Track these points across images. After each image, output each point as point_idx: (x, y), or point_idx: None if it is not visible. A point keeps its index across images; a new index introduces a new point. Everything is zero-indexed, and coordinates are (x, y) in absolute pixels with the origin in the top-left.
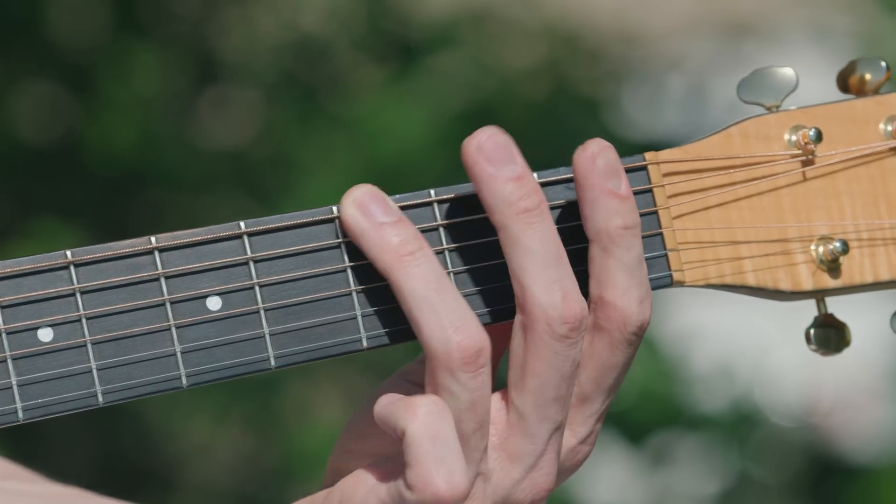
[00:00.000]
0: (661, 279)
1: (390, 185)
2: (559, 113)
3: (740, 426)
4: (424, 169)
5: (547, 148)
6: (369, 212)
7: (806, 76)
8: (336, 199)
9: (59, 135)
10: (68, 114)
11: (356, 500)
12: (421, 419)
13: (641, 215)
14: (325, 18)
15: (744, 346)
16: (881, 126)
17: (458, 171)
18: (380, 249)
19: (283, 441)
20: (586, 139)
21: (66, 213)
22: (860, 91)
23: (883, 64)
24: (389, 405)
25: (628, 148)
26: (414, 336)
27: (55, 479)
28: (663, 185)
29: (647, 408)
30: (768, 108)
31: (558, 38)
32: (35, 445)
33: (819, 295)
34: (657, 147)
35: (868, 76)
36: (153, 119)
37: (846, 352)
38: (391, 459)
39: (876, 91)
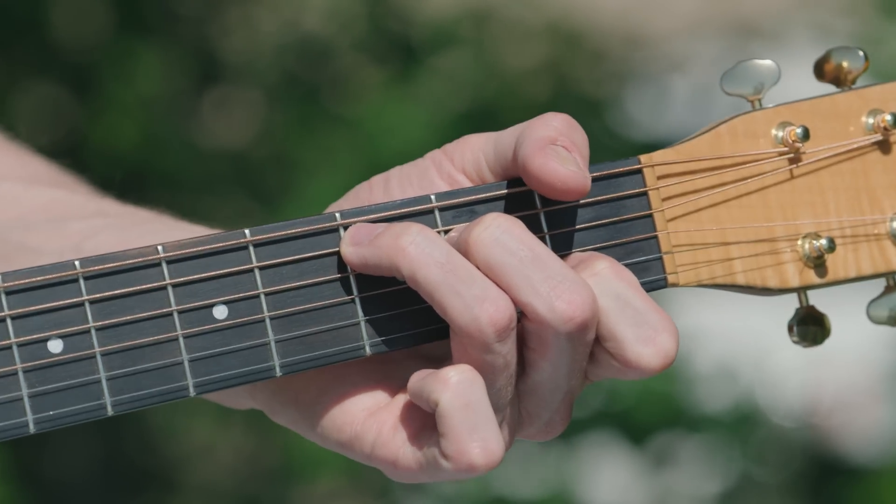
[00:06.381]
0: (657, 282)
1: None
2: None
3: (741, 426)
4: None
5: None
6: (360, 239)
7: (808, 78)
8: (337, 200)
9: (62, 135)
10: (71, 114)
11: (394, 447)
12: (452, 389)
13: (637, 219)
14: (327, 19)
15: (745, 346)
16: (863, 119)
17: None
18: (382, 255)
19: (283, 441)
20: (589, 138)
21: None
22: (837, 80)
23: (861, 53)
24: (421, 380)
25: (631, 148)
26: (416, 342)
27: (57, 478)
28: (658, 188)
29: (648, 408)
30: (751, 101)
31: (560, 37)
32: (38, 445)
33: (804, 290)
34: (660, 147)
35: (845, 64)
36: (155, 119)
37: (847, 352)
38: (422, 417)
39: (854, 81)
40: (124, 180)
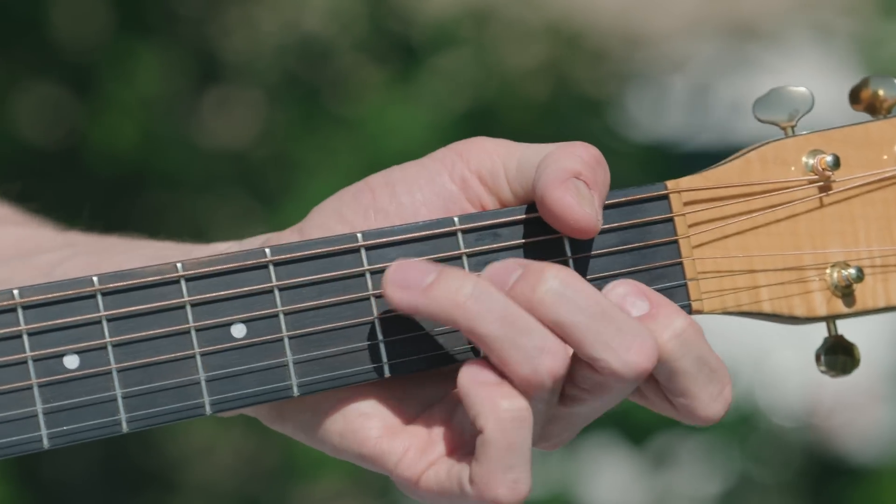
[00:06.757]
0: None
1: None
2: (561, 113)
3: (741, 427)
4: None
5: None
6: (409, 283)
7: (808, 78)
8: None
9: (62, 135)
10: (71, 114)
11: (419, 468)
12: (502, 423)
13: (662, 244)
14: (328, 19)
15: (745, 346)
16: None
17: None
18: (437, 309)
19: (284, 442)
20: (589, 139)
21: (68, 213)
22: (872, 107)
23: None
24: (475, 386)
25: (631, 148)
26: (436, 364)
27: (57, 478)
28: (684, 214)
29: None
30: (783, 129)
31: (561, 38)
32: None
33: (831, 319)
34: (659, 147)
35: (881, 92)
36: (155, 119)
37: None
38: (457, 437)
39: (890, 109)
40: (125, 180)
